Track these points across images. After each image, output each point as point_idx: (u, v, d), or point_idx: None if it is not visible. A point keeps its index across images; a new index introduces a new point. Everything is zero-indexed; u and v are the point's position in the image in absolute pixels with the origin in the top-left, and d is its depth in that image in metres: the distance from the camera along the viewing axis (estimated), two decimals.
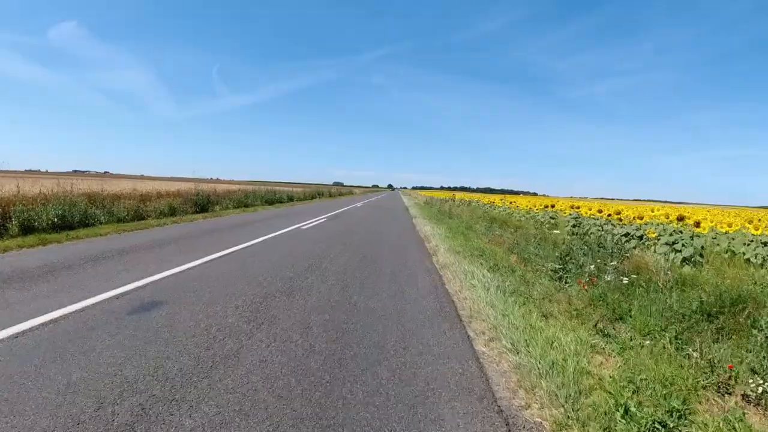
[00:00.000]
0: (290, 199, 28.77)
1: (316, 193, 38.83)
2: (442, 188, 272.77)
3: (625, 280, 4.62)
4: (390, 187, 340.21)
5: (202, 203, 16.78)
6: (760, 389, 2.40)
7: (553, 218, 12.55)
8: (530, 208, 15.06)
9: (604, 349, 3.23)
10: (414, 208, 24.62)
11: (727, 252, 7.50)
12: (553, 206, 12.46)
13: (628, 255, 7.78)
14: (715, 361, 2.76)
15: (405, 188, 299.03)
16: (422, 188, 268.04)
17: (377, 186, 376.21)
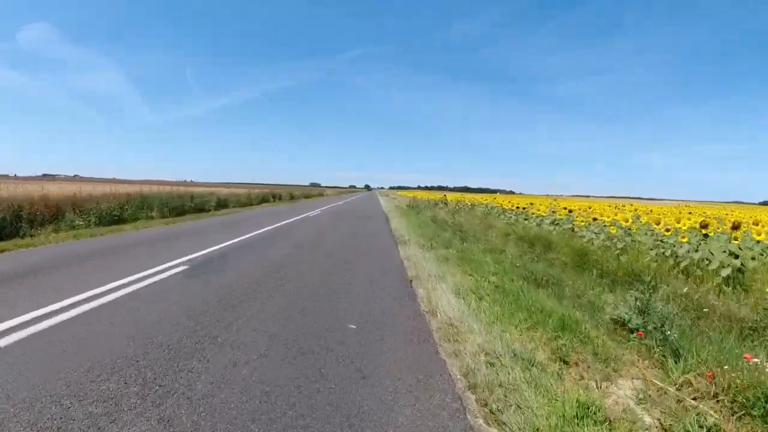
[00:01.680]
0: (222, 205, 20.51)
1: (270, 196, 30.48)
2: (419, 188, 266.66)
3: None
4: (367, 187, 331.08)
5: None
6: None
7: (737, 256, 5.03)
8: (633, 221, 7.58)
9: None
10: (397, 217, 16.88)
11: None
12: (739, 224, 4.95)
13: None
14: None
15: (382, 188, 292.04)
16: (399, 188, 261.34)
17: (354, 186, 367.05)
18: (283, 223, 13.11)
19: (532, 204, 13.59)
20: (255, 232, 10.09)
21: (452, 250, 8.40)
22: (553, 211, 10.96)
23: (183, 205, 16.08)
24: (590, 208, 11.32)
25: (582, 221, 9.42)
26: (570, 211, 10.20)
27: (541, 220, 11.89)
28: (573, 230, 10.23)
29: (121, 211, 12.60)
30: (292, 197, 36.51)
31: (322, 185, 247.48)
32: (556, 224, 10.77)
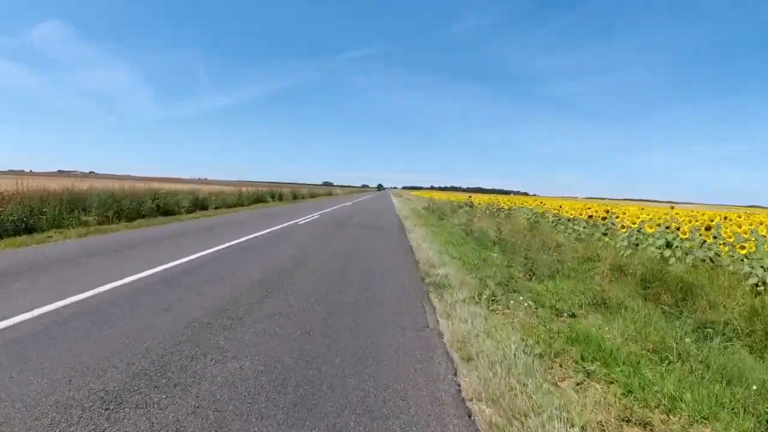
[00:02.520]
0: (200, 207, 16.86)
1: (268, 195, 26.82)
2: (432, 188, 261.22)
3: None
4: (379, 187, 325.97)
5: None
6: None
7: None
8: None
9: None
10: (418, 227, 12.96)
11: None
12: None
13: None
14: None
15: (395, 188, 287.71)
16: (412, 188, 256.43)
17: (366, 186, 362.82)
18: (259, 234, 9.31)
19: (608, 211, 9.55)
20: (203, 252, 6.29)
21: (527, 300, 4.51)
22: (667, 227, 6.94)
23: (139, 207, 12.44)
24: (726, 218, 7.26)
25: (730, 247, 5.40)
26: (707, 228, 6.16)
27: (637, 239, 7.86)
28: (712, 260, 6.21)
29: (30, 216, 8.99)
30: (294, 197, 32.85)
31: (334, 184, 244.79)
32: (675, 248, 6.73)
